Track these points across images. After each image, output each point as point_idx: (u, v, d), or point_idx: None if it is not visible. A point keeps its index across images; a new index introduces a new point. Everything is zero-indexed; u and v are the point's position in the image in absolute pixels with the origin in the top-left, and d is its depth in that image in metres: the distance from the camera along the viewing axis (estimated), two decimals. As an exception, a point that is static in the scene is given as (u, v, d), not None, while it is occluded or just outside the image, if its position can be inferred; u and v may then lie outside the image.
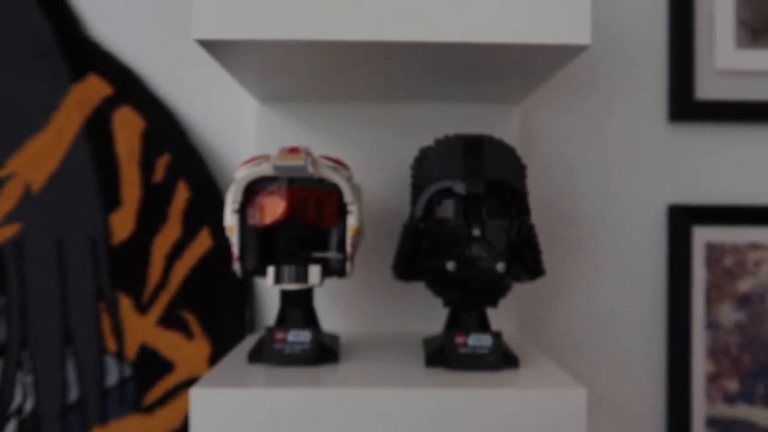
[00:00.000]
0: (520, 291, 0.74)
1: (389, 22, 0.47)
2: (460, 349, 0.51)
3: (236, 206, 0.53)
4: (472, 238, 0.51)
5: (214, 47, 0.48)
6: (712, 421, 0.75)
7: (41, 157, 0.73)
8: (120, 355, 0.72)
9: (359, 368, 0.52)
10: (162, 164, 0.73)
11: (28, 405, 0.73)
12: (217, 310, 0.72)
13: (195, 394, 0.46)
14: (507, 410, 0.46)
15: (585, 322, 0.75)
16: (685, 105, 0.75)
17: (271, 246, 0.54)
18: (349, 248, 0.54)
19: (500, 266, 0.50)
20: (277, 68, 0.54)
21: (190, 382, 0.72)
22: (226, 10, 0.46)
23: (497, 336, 0.52)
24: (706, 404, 0.75)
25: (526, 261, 0.53)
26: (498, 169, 0.53)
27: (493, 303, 0.54)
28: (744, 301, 0.75)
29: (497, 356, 0.51)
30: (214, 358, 0.72)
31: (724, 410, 0.75)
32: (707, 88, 0.75)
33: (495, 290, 0.53)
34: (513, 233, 0.53)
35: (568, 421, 0.46)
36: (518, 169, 0.55)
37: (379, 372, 0.51)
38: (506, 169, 0.53)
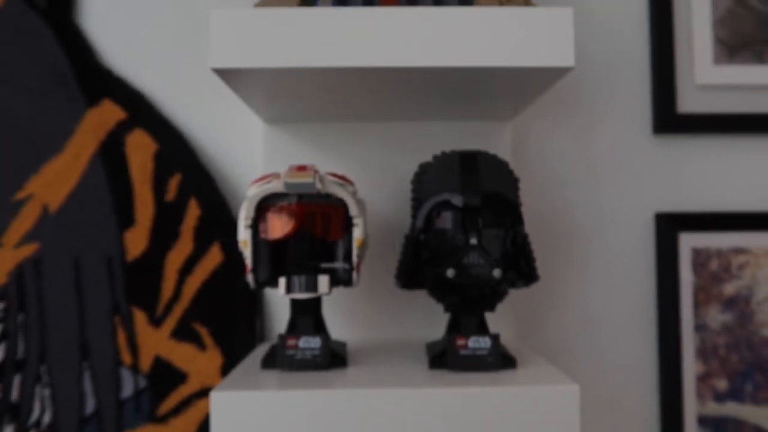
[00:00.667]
0: (517, 298, 0.77)
1: (391, 49, 0.51)
2: (460, 351, 0.55)
3: (249, 221, 0.57)
4: (469, 247, 0.54)
5: (229, 75, 0.52)
6: (703, 420, 0.78)
7: (58, 179, 0.76)
8: (135, 368, 0.75)
9: (367, 372, 0.56)
10: (174, 184, 0.76)
11: (47, 418, 0.75)
12: (228, 321, 0.75)
13: (215, 396, 0.49)
14: (506, 407, 0.49)
15: (579, 327, 0.79)
16: (668, 118, 0.79)
17: (281, 258, 0.58)
18: (355, 259, 0.57)
19: (496, 272, 0.54)
20: (285, 92, 0.58)
21: (203, 392, 0.75)
22: (241, 41, 0.50)
23: (495, 338, 0.55)
24: (697, 403, 0.78)
25: (521, 268, 0.57)
26: (492, 183, 0.57)
27: (491, 307, 0.57)
28: (730, 303, 0.79)
29: (496, 357, 0.55)
30: (226, 369, 0.75)
31: (715, 409, 0.78)
32: (688, 102, 0.80)
33: (492, 295, 0.57)
34: (508, 242, 0.57)
35: (563, 415, 0.49)
36: (511, 181, 0.59)
37: (385, 375, 0.54)
38: (500, 182, 0.57)
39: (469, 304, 0.57)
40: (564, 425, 0.49)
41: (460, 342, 0.55)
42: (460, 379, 0.52)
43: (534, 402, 0.49)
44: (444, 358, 0.56)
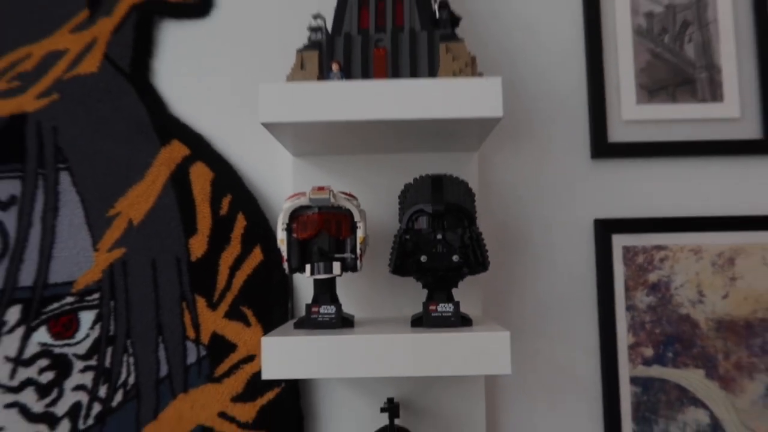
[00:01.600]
0: (484, 286, 1.00)
1: (382, 107, 0.75)
2: (432, 314, 0.78)
3: (284, 226, 0.81)
4: (437, 241, 0.78)
5: (272, 126, 0.77)
6: (634, 379, 0.99)
7: (140, 200, 1.02)
8: (197, 341, 0.99)
9: (367, 329, 0.79)
10: (226, 202, 1.01)
11: (131, 380, 0.99)
12: (267, 305, 0.99)
13: (265, 341, 0.73)
14: (459, 346, 0.72)
15: (535, 308, 1.01)
16: (602, 146, 1.01)
17: (307, 251, 0.82)
18: (358, 251, 0.81)
19: (455, 258, 0.77)
20: (309, 136, 0.83)
21: (249, 359, 0.98)
22: (280, 104, 0.75)
23: (457, 304, 0.78)
24: (629, 366, 0.99)
25: (477, 257, 0.81)
26: (454, 196, 0.80)
27: (455, 284, 0.81)
28: (653, 288, 1.01)
29: (457, 317, 0.78)
30: (265, 340, 0.98)
31: (644, 371, 0.99)
32: (617, 133, 1.02)
33: (455, 276, 0.80)
34: (465, 237, 0.80)
35: (498, 352, 0.72)
36: (469, 195, 0.82)
37: (380, 330, 0.78)
38: (460, 195, 0.81)
39: (438, 282, 0.80)
40: (498, 359, 0.72)
41: (432, 307, 0.78)
42: (430, 331, 0.76)
43: (477, 344, 0.72)
44: (421, 319, 0.79)
